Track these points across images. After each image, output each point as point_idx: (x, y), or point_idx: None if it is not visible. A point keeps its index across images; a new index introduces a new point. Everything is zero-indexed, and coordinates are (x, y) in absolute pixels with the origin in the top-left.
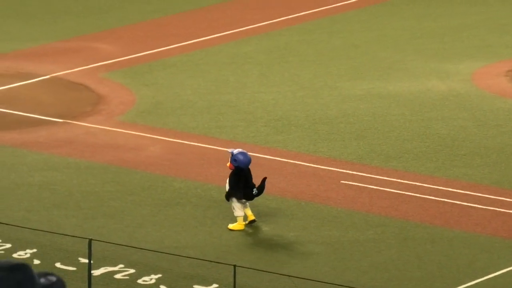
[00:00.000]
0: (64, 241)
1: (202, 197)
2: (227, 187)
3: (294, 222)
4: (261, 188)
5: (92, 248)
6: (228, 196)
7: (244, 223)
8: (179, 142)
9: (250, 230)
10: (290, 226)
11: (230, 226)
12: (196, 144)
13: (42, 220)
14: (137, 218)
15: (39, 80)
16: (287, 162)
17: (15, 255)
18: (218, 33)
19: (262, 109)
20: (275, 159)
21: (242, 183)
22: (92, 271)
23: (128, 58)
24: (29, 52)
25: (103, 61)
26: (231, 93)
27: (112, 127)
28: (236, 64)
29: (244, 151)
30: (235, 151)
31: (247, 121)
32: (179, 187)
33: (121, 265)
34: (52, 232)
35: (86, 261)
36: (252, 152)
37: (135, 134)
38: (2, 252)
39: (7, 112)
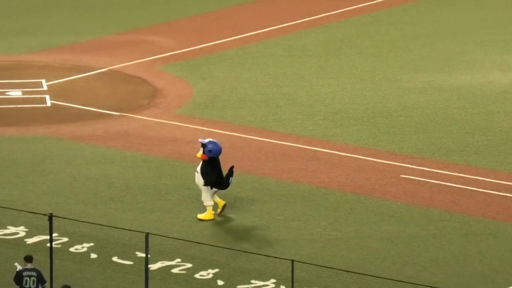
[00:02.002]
0: (121, 235)
1: (259, 191)
2: (199, 177)
3: (353, 216)
4: (232, 176)
5: (149, 242)
6: (209, 183)
7: (213, 212)
8: (236, 135)
9: (303, 224)
10: (348, 220)
11: (200, 216)
12: (253, 137)
13: (99, 214)
14: (194, 212)
15: (96, 73)
16: (346, 156)
17: (72, 249)
18: (275, 26)
19: (320, 102)
20: (333, 153)
21: (216, 172)
22: (149, 266)
23: (185, 51)
24: (86, 45)
25: (160, 54)
26: (289, 86)
27: (169, 120)
28: (293, 56)
29: (215, 140)
30: (206, 141)
31: (305, 114)
32: (236, 181)
33: (178, 260)
34: (109, 226)
35: (143, 255)
36: (310, 146)
37: (192, 128)
38: (59, 246)
39: (64, 105)
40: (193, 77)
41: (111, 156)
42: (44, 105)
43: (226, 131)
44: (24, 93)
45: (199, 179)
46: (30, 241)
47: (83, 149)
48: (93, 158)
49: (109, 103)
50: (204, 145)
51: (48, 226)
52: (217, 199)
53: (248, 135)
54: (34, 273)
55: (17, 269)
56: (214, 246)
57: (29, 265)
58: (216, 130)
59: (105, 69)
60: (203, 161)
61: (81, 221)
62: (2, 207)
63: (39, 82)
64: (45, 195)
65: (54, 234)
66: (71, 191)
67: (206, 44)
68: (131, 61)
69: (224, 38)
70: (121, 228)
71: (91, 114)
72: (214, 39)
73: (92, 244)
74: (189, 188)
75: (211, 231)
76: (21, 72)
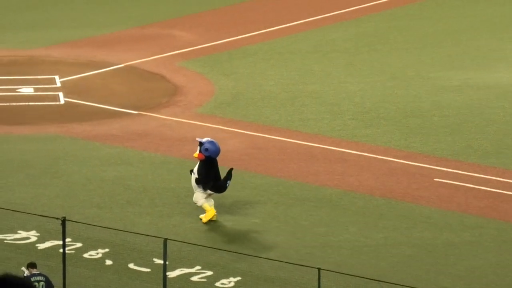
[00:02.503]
0: (137, 240)
1: (283, 194)
2: (195, 177)
3: (383, 222)
4: (230, 179)
5: (168, 248)
6: (201, 183)
7: (211, 207)
8: (260, 135)
9: (330, 230)
10: (378, 226)
11: (202, 216)
12: (277, 138)
13: (114, 218)
14: (215, 216)
15: (112, 69)
16: (376, 158)
17: (86, 255)
18: (302, 20)
19: (349, 101)
20: (363, 155)
21: (213, 173)
22: (167, 273)
23: (207, 46)
24: (102, 39)
25: (180, 49)
26: (316, 84)
27: (189, 120)
28: (321, 52)
29: (213, 140)
30: (204, 140)
31: (332, 114)
32: (259, 184)
33: (198, 267)
34: (125, 231)
35: (161, 262)
36: (338, 147)
37: (213, 127)
38: (73, 251)
39: (79, 103)
40: (215, 74)
41: (128, 157)
42: (57, 103)
43: (249, 131)
44: (36, 90)
45: (195, 181)
46: (42, 246)
47: (99, 149)
48: (109, 159)
49: (126, 101)
50: (201, 144)
51: (61, 231)
52: (208, 207)
53: (272, 135)
54: (42, 278)
55: (25, 275)
56: (236, 253)
57: (35, 271)
58: (238, 130)
59: (122, 65)
60: (200, 161)
61: (96, 226)
62: (12, 210)
63: (52, 78)
64: (58, 198)
65: (67, 239)
66: (86, 193)
67: (229, 39)
68: (149, 57)
69: (248, 33)
70: (138, 233)
71: (107, 113)
72: (237, 34)
73: (107, 250)
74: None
75: (232, 237)
76: (33, 68)
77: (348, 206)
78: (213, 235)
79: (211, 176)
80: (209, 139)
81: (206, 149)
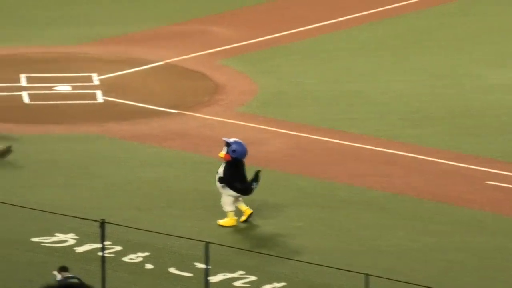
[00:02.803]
0: (178, 244)
1: (328, 197)
2: (219, 176)
3: (433, 226)
4: (257, 182)
5: (210, 252)
6: (225, 183)
7: (235, 218)
8: (304, 136)
9: (378, 234)
10: (428, 230)
11: (220, 222)
12: (322, 138)
13: (154, 220)
14: (258, 219)
15: (151, 67)
16: (425, 159)
17: (125, 259)
18: (348, 16)
19: (396, 100)
20: (411, 156)
21: (240, 176)
22: (209, 278)
23: (249, 43)
24: (141, 36)
25: (221, 46)
26: (362, 82)
27: (231, 119)
28: (367, 50)
29: (241, 141)
30: (231, 140)
31: (379, 113)
32: (304, 186)
33: (241, 272)
34: (166, 234)
35: (203, 266)
36: (385, 148)
37: (255, 127)
38: (113, 255)
39: (117, 102)
40: (257, 72)
41: (167, 158)
42: (95, 102)
43: (292, 131)
44: (73, 88)
45: (218, 180)
46: (80, 249)
47: (137, 149)
48: (148, 160)
49: (165, 99)
50: (228, 144)
51: (99, 234)
52: (243, 207)
53: (316, 135)
54: (76, 281)
55: (58, 279)
56: (280, 257)
57: (67, 274)
58: (281, 130)
59: (161, 63)
60: (226, 162)
61: (136, 228)
62: (49, 212)
63: (89, 76)
64: (96, 199)
65: (106, 242)
66: (125, 195)
67: (272, 36)
68: (190, 54)
69: (291, 29)
70: (179, 237)
71: (146, 112)
72: (281, 30)
73: (147, 253)
74: (253, 193)
75: (275, 241)
76: (70, 65)
77: (396, 209)
78: (256, 239)
79: (237, 178)
80: (236, 139)
81: (234, 151)
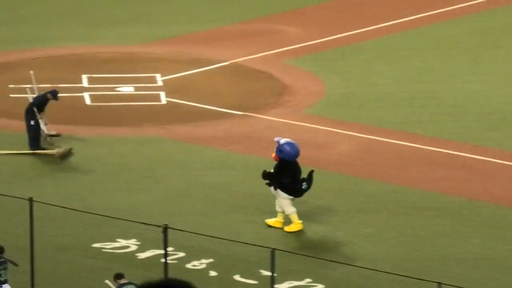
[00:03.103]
0: (243, 250)
1: (400, 203)
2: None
3: (510, 233)
4: (310, 182)
5: (276, 259)
6: (279, 187)
7: (300, 221)
8: (374, 139)
9: (452, 241)
10: (505, 238)
11: (286, 228)
12: (394, 141)
13: (218, 226)
14: (326, 225)
15: (216, 67)
16: (503, 163)
17: (189, 266)
18: (421, 13)
19: (472, 102)
20: (487, 160)
21: (288, 177)
22: (275, 286)
23: (317, 43)
24: (206, 35)
25: (289, 46)
26: (436, 83)
27: (298, 121)
28: (442, 49)
29: (293, 141)
30: (282, 140)
31: (454, 115)
32: (374, 191)
33: (308, 280)
34: (230, 240)
35: (269, 273)
36: (460, 152)
37: (324, 129)
38: (176, 261)
39: (181, 103)
40: (325, 72)
41: (232, 161)
42: (158, 103)
43: (362, 134)
44: (136, 89)
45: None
46: (142, 255)
47: (201, 152)
48: (212, 163)
49: (230, 101)
50: (278, 145)
51: (162, 239)
52: (295, 219)
53: (388, 138)
54: (132, 287)
55: (115, 287)
56: (349, 265)
57: (123, 281)
58: (350, 133)
59: (227, 63)
60: (277, 162)
61: (199, 234)
62: (111, 217)
63: (153, 77)
64: (159, 204)
65: (169, 248)
66: (188, 200)
67: (342, 35)
68: (256, 54)
69: (362, 28)
70: (244, 243)
71: (211, 114)
72: (350, 29)
73: (211, 260)
74: (321, 198)
75: (344, 248)
76: (134, 66)
77: (471, 215)
78: (323, 246)
79: (285, 178)
80: (288, 140)
81: (281, 151)
